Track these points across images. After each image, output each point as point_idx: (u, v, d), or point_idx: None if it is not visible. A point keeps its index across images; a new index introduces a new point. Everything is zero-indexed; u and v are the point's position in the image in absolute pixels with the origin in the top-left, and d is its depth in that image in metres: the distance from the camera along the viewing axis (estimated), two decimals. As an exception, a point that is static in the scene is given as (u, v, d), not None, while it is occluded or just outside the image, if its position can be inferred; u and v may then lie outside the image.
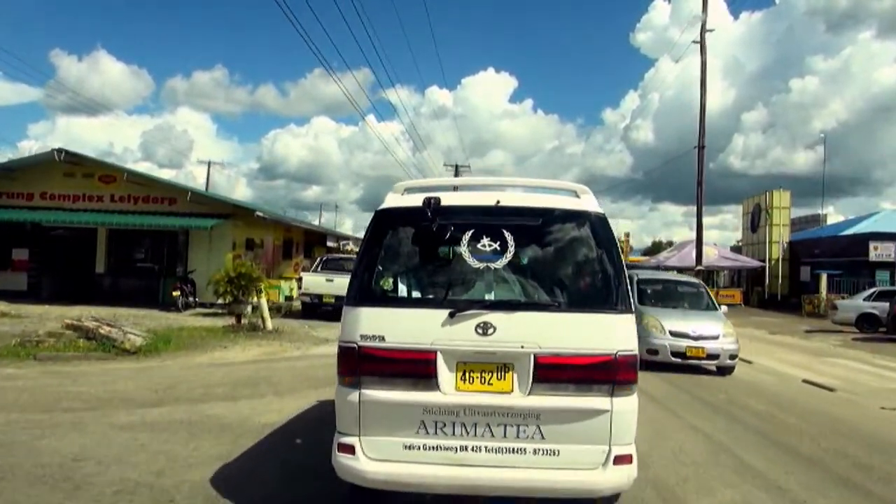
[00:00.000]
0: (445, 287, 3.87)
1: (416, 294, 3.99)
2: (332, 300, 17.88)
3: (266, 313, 13.94)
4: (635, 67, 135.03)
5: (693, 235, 30.37)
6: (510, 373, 3.63)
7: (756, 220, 37.27)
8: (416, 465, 3.60)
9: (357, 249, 32.01)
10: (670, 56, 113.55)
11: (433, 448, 3.61)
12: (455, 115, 78.21)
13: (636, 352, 3.69)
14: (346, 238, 35.19)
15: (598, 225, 3.91)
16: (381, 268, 3.96)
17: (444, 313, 3.62)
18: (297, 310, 18.95)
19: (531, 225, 3.95)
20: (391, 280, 4.04)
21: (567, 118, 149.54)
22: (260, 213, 19.16)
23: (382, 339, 3.68)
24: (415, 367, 3.63)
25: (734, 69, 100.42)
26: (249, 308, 17.96)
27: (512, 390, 3.61)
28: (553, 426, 3.58)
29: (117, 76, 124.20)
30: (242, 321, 14.13)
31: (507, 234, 3.80)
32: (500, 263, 3.78)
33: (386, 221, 4.01)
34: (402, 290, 4.02)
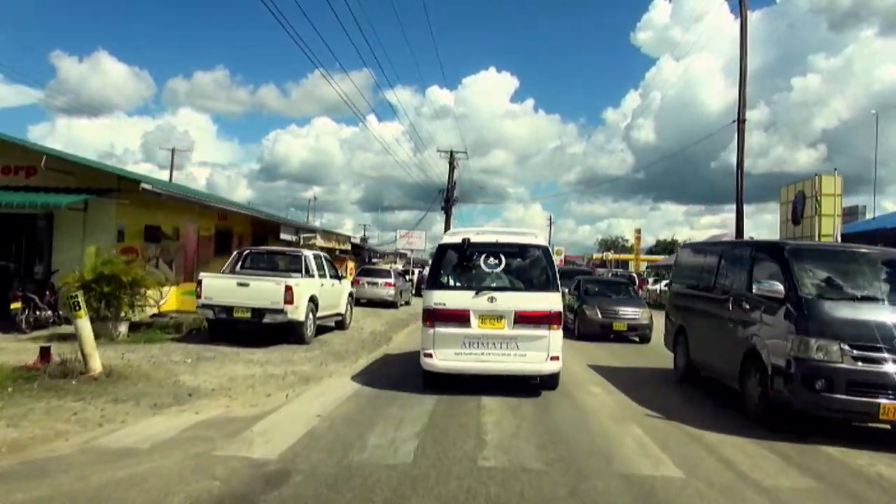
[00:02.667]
0: (472, 280, 8.15)
1: (459, 284, 8.21)
2: (248, 314, 11.83)
3: (88, 345, 7.96)
4: (636, 67, 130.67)
5: (709, 233, 24.87)
6: (504, 320, 7.83)
7: (799, 211, 31.38)
8: (460, 362, 7.87)
9: (327, 244, 24.63)
10: (672, 55, 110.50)
11: (468, 354, 7.85)
12: (456, 115, 73.65)
13: (561, 310, 8.14)
14: (311, 231, 28.52)
15: (546, 251, 8.52)
16: (442, 272, 8.36)
17: (472, 293, 7.90)
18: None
19: (514, 251, 8.39)
20: (447, 277, 8.32)
21: (568, 118, 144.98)
22: (147, 186, 13.05)
23: (444, 304, 7.90)
24: (459, 317, 7.84)
25: (735, 67, 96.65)
26: (124, 327, 12.10)
27: (504, 328, 7.83)
28: (524, 343, 7.84)
29: (118, 77, 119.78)
30: (52, 357, 8.17)
31: (502, 255, 8.22)
32: (499, 270, 8.20)
33: (444, 249, 8.51)
34: (452, 282, 8.28)
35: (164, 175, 42.16)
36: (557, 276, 8.29)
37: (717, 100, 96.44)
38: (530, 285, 8.18)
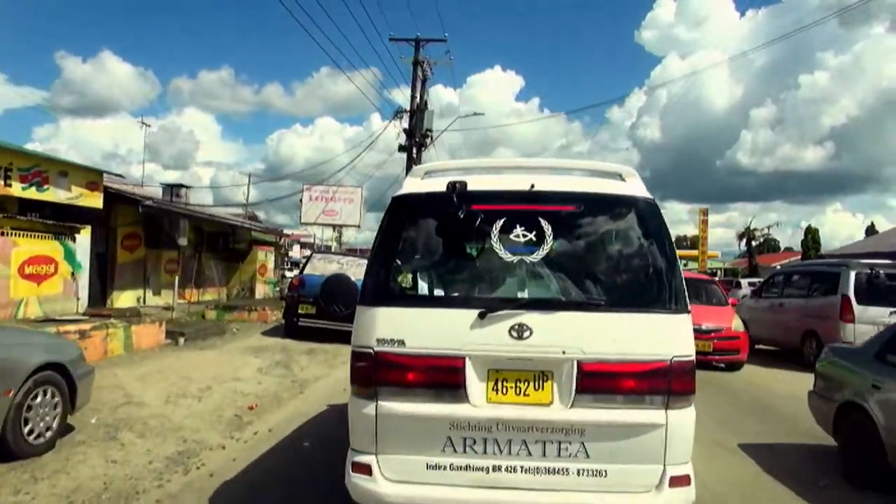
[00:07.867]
0: (474, 284, 3.52)
1: (439, 292, 3.60)
2: None
3: None
4: (641, 65, 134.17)
5: (708, 233, 22.49)
6: (549, 382, 3.25)
7: None
8: (442, 488, 3.23)
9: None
10: (677, 53, 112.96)
11: (461, 468, 3.23)
12: (461, 114, 77.61)
13: (693, 357, 3.26)
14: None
15: (647, 212, 3.48)
16: (399, 262, 3.53)
17: (472, 314, 3.22)
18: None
19: (571, 212, 3.51)
20: (411, 276, 3.63)
21: (573, 116, 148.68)
22: None
23: (402, 343, 3.25)
24: (440, 376, 3.24)
25: (742, 65, 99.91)
26: None
27: (552, 402, 3.24)
28: (599, 443, 3.20)
29: (123, 77, 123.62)
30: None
31: (543, 222, 3.40)
32: (536, 256, 3.38)
33: (404, 209, 3.60)
34: (424, 287, 3.65)
35: (169, 175, 41.08)
36: (682, 273, 3.46)
37: (722, 97, 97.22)
38: (613, 295, 3.33)
